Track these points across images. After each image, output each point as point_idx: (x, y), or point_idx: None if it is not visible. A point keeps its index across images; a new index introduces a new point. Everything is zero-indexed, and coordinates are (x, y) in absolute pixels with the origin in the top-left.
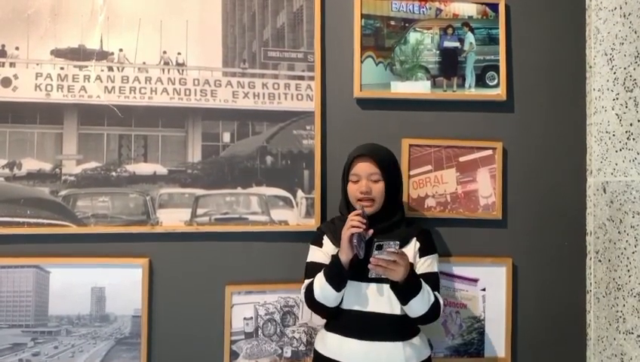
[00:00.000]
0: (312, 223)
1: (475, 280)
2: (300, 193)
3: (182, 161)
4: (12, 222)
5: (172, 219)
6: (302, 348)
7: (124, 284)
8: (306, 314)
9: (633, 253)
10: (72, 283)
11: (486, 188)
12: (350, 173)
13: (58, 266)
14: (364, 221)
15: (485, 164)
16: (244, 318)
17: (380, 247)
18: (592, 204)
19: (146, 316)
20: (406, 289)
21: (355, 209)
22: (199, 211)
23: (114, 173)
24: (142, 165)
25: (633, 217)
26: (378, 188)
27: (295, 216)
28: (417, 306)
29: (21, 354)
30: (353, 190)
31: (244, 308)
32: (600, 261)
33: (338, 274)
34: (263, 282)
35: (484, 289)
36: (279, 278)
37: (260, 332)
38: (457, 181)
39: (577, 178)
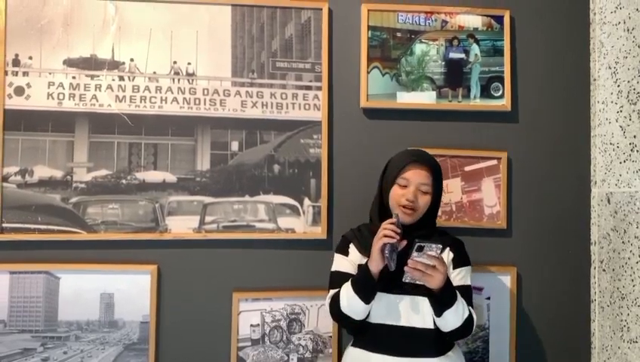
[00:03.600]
0: (319, 231)
1: (480, 289)
2: (306, 201)
3: (191, 169)
4: (23, 228)
5: (180, 226)
6: (308, 355)
7: (132, 290)
8: (312, 322)
9: (637, 262)
10: (81, 289)
11: (491, 197)
12: (400, 175)
13: (68, 272)
14: (398, 231)
15: (490, 173)
16: (251, 325)
17: (420, 249)
18: (597, 214)
19: (154, 322)
20: (443, 299)
21: (389, 215)
22: (207, 219)
23: (124, 181)
24: (151, 173)
25: (637, 227)
26: (424, 201)
27: (302, 224)
28: (451, 319)
29: (31, 359)
30: (398, 195)
31: (250, 314)
32: (604, 270)
33: (367, 286)
34: (269, 289)
35: (488, 298)
36: (286, 285)
37: (266, 339)
38: (462, 190)
39: (581, 188)
